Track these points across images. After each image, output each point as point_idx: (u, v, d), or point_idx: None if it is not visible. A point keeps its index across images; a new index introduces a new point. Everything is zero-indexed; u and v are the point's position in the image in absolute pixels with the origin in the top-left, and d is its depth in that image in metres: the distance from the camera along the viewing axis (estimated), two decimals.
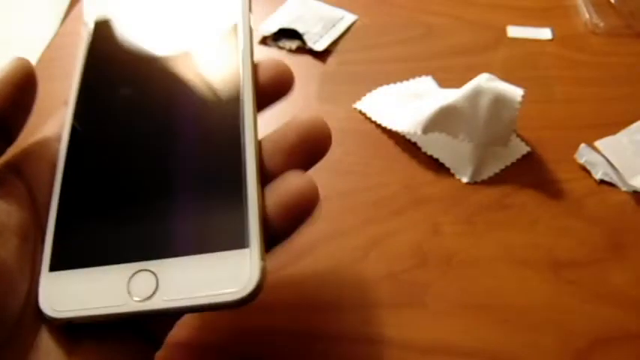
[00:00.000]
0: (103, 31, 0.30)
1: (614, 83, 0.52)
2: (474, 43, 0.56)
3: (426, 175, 0.46)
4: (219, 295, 0.20)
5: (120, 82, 0.27)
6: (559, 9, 0.59)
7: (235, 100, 0.24)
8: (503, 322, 0.38)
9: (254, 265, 0.20)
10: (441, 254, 0.41)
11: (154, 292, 0.20)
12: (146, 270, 0.21)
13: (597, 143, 0.47)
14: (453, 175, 0.46)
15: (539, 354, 0.36)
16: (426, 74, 0.52)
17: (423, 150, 0.47)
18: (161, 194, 0.23)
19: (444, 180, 0.45)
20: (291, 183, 0.22)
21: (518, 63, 0.54)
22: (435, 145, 0.47)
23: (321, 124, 0.23)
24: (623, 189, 0.44)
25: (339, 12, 0.59)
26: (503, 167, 0.46)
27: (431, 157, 0.47)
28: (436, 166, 0.46)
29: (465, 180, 0.45)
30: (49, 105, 0.53)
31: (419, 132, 0.44)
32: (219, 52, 0.27)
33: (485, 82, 0.44)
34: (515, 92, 0.44)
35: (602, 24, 0.56)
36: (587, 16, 0.57)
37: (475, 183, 0.45)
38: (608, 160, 0.46)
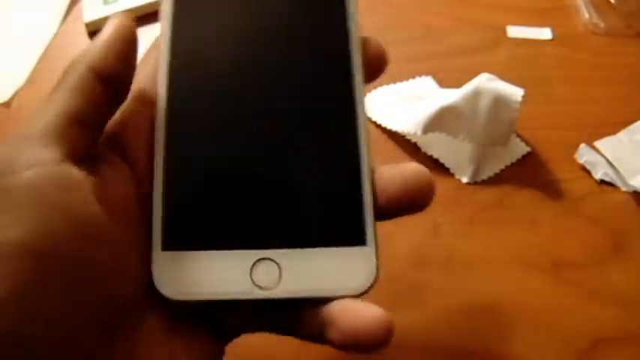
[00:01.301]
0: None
1: (614, 83, 0.52)
2: (474, 43, 0.56)
3: None
4: (339, 289, 0.21)
5: (220, 39, 0.24)
6: (559, 9, 0.59)
7: (347, 80, 0.23)
8: (503, 322, 0.38)
9: (371, 263, 0.21)
10: (441, 254, 0.41)
11: (277, 282, 0.20)
12: (269, 259, 0.21)
13: (597, 143, 0.47)
14: (453, 175, 0.46)
15: (539, 354, 0.36)
16: (426, 74, 0.52)
17: (423, 150, 0.47)
18: (279, 178, 0.22)
19: (444, 180, 0.45)
20: (408, 168, 0.22)
21: (518, 63, 0.54)
22: (435, 145, 0.47)
23: (428, 179, 0.22)
24: (623, 189, 0.44)
25: None
26: (503, 167, 0.46)
27: (431, 157, 0.47)
28: (436, 166, 0.46)
29: (465, 180, 0.45)
30: None
31: (419, 132, 0.44)
32: (327, 27, 0.25)
33: (485, 82, 0.44)
34: (515, 92, 0.44)
35: (602, 24, 0.56)
36: (587, 16, 0.57)
37: (475, 183, 0.45)
38: (608, 160, 0.46)
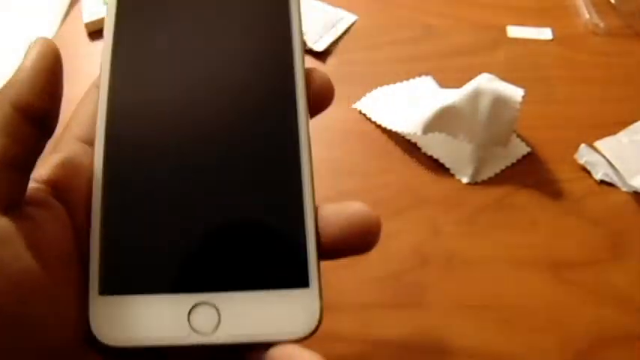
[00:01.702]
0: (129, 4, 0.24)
1: (614, 83, 0.52)
2: (474, 43, 0.56)
3: (426, 176, 0.46)
4: (281, 333, 0.20)
5: (160, 69, 0.23)
6: (559, 9, 0.59)
7: (292, 111, 0.23)
8: (503, 322, 0.38)
9: (314, 305, 0.20)
10: (441, 254, 0.41)
11: (215, 327, 0.20)
12: (208, 303, 0.20)
13: (597, 143, 0.47)
14: (453, 175, 0.46)
15: (539, 354, 0.36)
16: (426, 74, 0.52)
17: (423, 150, 0.47)
18: (219, 219, 0.21)
19: (444, 180, 0.45)
20: (353, 208, 0.21)
21: (518, 63, 0.54)
22: (435, 146, 0.47)
23: (373, 221, 0.21)
24: (623, 189, 0.44)
25: (339, 12, 0.59)
26: (503, 167, 0.46)
27: (431, 157, 0.47)
28: (436, 166, 0.46)
29: (465, 180, 0.45)
30: None
31: (419, 132, 0.44)
32: (270, 51, 0.24)
33: (486, 82, 0.44)
34: (516, 92, 0.44)
35: (602, 24, 0.56)
36: (587, 16, 0.57)
37: (475, 183, 0.45)
38: (608, 160, 0.46)
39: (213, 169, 0.22)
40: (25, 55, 0.21)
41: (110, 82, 0.23)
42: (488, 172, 0.46)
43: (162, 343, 0.20)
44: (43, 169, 0.21)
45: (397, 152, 0.47)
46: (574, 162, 0.46)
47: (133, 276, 0.21)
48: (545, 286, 0.39)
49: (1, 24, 0.59)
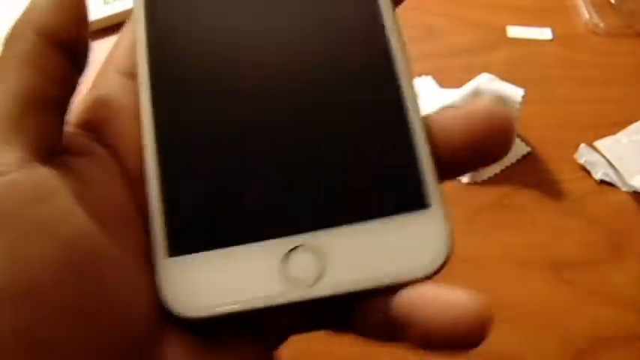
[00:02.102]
0: None
1: (614, 83, 0.52)
2: (474, 43, 0.56)
3: None
4: (403, 273, 0.15)
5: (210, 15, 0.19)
6: (559, 9, 0.59)
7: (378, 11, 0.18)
8: (503, 322, 0.38)
9: (440, 228, 0.16)
10: None
11: (319, 275, 0.15)
12: (304, 246, 0.16)
13: (597, 143, 0.47)
14: None
15: (539, 354, 0.36)
16: (426, 74, 0.52)
17: None
18: (303, 142, 0.17)
19: (444, 180, 0.45)
20: (478, 105, 0.17)
21: (518, 63, 0.54)
22: None
23: (503, 116, 0.17)
24: (623, 189, 0.44)
25: None
26: (503, 167, 0.46)
27: None
28: None
29: (465, 180, 0.45)
30: None
31: None
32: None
33: (486, 82, 0.44)
34: (515, 92, 0.44)
35: (602, 24, 0.56)
36: (587, 16, 0.57)
37: (475, 183, 0.45)
38: (608, 160, 0.46)
39: (292, 82, 0.17)
40: None
41: (147, 6, 0.19)
42: (488, 172, 0.46)
43: (254, 306, 0.15)
44: (78, 110, 0.18)
45: None
46: (574, 162, 0.46)
47: (207, 228, 0.16)
48: (545, 286, 0.39)
49: (1, 24, 0.59)
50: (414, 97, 0.17)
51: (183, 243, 0.16)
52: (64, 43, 0.16)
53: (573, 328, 0.37)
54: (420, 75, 0.52)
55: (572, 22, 0.58)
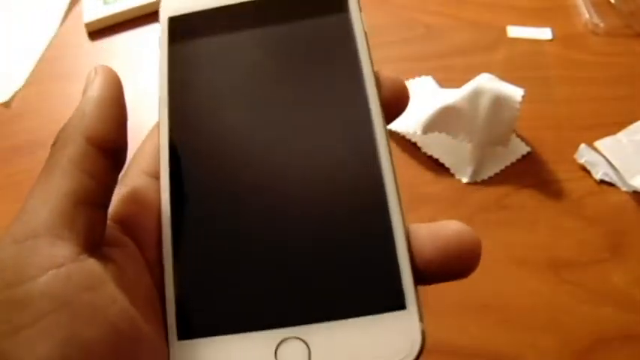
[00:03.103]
0: (183, 30, 0.23)
1: (614, 83, 0.52)
2: (474, 43, 0.56)
3: (426, 175, 0.46)
4: None
5: (222, 99, 0.22)
6: (559, 9, 0.59)
7: (367, 122, 0.21)
8: (503, 322, 0.38)
9: (414, 327, 0.18)
10: None
11: None
12: (295, 338, 0.18)
13: (597, 143, 0.47)
14: (453, 175, 0.46)
15: (539, 354, 0.36)
16: (426, 74, 0.52)
17: (423, 150, 0.47)
18: (298, 245, 0.19)
19: (444, 180, 0.45)
20: (450, 228, 0.19)
21: (518, 63, 0.54)
22: (435, 145, 0.47)
23: (473, 242, 0.19)
24: (623, 189, 0.44)
25: None
26: (503, 167, 0.46)
27: (431, 157, 0.47)
28: (436, 166, 0.46)
29: (464, 180, 0.45)
30: (50, 105, 0.53)
31: (419, 132, 0.44)
32: (336, 58, 0.22)
33: (486, 82, 0.44)
34: (515, 92, 0.44)
35: (602, 24, 0.56)
36: (587, 16, 0.57)
37: (475, 183, 0.45)
38: (608, 160, 0.46)
39: (289, 193, 0.20)
40: (88, 85, 0.20)
41: (170, 116, 0.22)
42: (488, 172, 0.46)
43: None
44: (115, 205, 0.20)
45: (397, 152, 0.47)
46: (574, 162, 0.46)
47: (211, 317, 0.19)
48: (545, 286, 0.39)
49: (1, 24, 0.59)
50: (400, 207, 0.20)
51: (191, 329, 0.19)
52: (109, 148, 0.19)
53: (573, 328, 0.37)
54: (420, 75, 0.52)
55: (572, 22, 0.58)
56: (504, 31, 0.57)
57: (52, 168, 0.18)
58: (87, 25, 0.57)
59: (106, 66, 0.20)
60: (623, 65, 0.54)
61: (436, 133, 0.45)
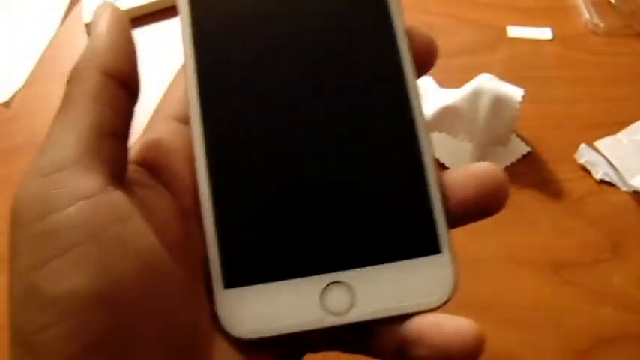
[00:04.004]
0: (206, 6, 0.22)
1: (614, 83, 0.52)
2: (474, 43, 0.56)
3: None
4: (417, 304, 0.19)
5: (252, 45, 0.21)
6: (559, 9, 0.59)
7: (400, 75, 0.22)
8: (503, 322, 0.38)
9: (448, 270, 0.20)
10: None
11: (350, 306, 0.19)
12: (339, 282, 0.19)
13: (597, 143, 0.47)
14: None
15: (539, 354, 0.36)
16: (426, 74, 0.52)
17: None
18: (340, 193, 0.20)
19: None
20: (479, 168, 0.20)
21: (518, 63, 0.54)
22: (435, 145, 0.47)
23: (501, 180, 0.20)
24: (623, 189, 0.44)
25: None
26: (503, 167, 0.46)
27: None
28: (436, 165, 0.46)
29: None
30: (50, 105, 0.53)
31: None
32: (370, 15, 0.23)
33: (486, 82, 0.44)
34: (515, 92, 0.44)
35: (602, 24, 0.56)
36: (587, 16, 0.57)
37: None
38: (608, 160, 0.46)
39: (327, 139, 0.20)
40: (96, 22, 0.20)
41: (197, 60, 0.21)
42: None
43: (297, 329, 0.19)
44: (135, 150, 0.20)
45: None
46: (574, 162, 0.46)
47: (257, 265, 0.19)
48: (545, 286, 0.39)
49: (1, 24, 0.59)
50: (432, 158, 0.21)
51: (237, 277, 0.19)
52: (124, 79, 0.19)
53: (573, 328, 0.37)
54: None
55: (572, 22, 0.58)
56: (504, 31, 0.57)
57: (70, 103, 0.19)
58: (87, 25, 0.57)
59: (110, 3, 0.20)
60: (623, 65, 0.54)
61: (436, 133, 0.45)
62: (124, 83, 0.19)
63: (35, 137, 0.49)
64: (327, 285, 0.19)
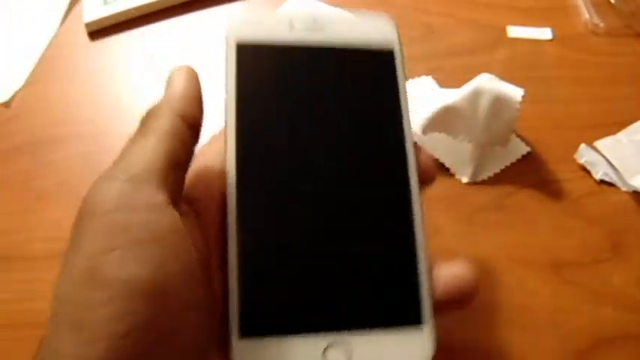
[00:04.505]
0: (249, 58, 0.25)
1: (614, 83, 0.52)
2: (474, 43, 0.56)
3: None
4: None
5: (284, 116, 0.25)
6: (559, 9, 0.59)
7: (402, 173, 0.25)
8: (503, 322, 0.38)
9: (429, 340, 0.23)
10: (441, 254, 0.41)
11: None
12: (343, 342, 0.22)
13: (597, 143, 0.47)
14: (453, 175, 0.46)
15: (539, 354, 0.36)
16: (426, 74, 0.52)
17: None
18: (346, 264, 0.23)
19: (444, 180, 0.45)
20: (456, 268, 0.24)
21: (518, 63, 0.54)
22: (435, 145, 0.47)
23: (471, 284, 0.24)
24: (623, 189, 0.44)
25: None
26: (503, 167, 0.46)
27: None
28: (436, 166, 0.46)
29: (464, 180, 0.45)
30: (50, 105, 0.53)
31: (419, 132, 0.44)
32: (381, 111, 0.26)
33: (486, 82, 0.44)
34: (515, 92, 0.44)
35: (602, 24, 0.56)
36: (587, 16, 0.57)
37: (475, 183, 0.45)
38: (608, 160, 0.46)
39: (338, 212, 0.24)
40: (173, 75, 0.24)
41: (237, 119, 0.24)
42: (488, 172, 0.46)
43: None
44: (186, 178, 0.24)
45: None
46: (574, 162, 0.46)
47: (272, 318, 0.22)
48: (546, 286, 0.39)
49: (1, 24, 0.59)
50: (426, 245, 0.25)
51: (252, 328, 0.22)
52: (192, 122, 0.24)
53: (573, 328, 0.37)
54: (420, 75, 0.52)
55: (572, 22, 0.58)
56: (504, 31, 0.57)
57: (148, 132, 0.22)
58: (87, 25, 0.57)
59: (187, 65, 0.25)
60: (623, 65, 0.54)
61: (436, 133, 0.45)
62: (191, 125, 0.23)
63: (35, 137, 0.49)
64: (331, 343, 0.22)
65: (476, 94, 0.44)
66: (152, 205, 0.20)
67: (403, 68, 0.27)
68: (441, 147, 0.47)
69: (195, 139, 0.24)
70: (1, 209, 0.44)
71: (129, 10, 0.58)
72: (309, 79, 0.25)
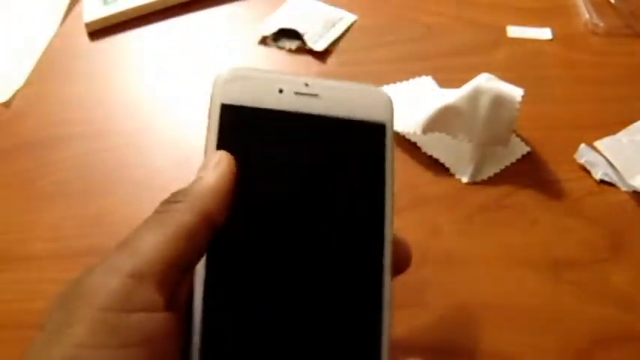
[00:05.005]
0: (233, 120, 0.25)
1: (614, 83, 0.52)
2: (474, 43, 0.56)
3: (426, 175, 0.46)
4: None
5: (264, 182, 0.24)
6: (559, 9, 0.59)
7: (380, 243, 0.25)
8: (503, 322, 0.38)
9: None
10: (441, 254, 0.41)
11: None
12: None
13: (597, 143, 0.47)
14: (452, 175, 0.46)
15: (539, 354, 0.36)
16: (426, 74, 0.52)
17: (423, 150, 0.47)
18: (309, 325, 0.23)
19: (444, 180, 0.45)
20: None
21: (518, 63, 0.54)
22: (435, 145, 0.47)
23: (405, 248, 0.25)
24: (623, 189, 0.44)
25: (338, 12, 0.59)
26: (503, 167, 0.46)
27: (431, 157, 0.47)
28: (436, 166, 0.46)
29: (464, 180, 0.45)
30: (50, 105, 0.53)
31: (419, 132, 0.44)
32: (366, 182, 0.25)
33: (486, 82, 0.44)
34: (515, 92, 0.44)
35: (602, 24, 0.56)
36: (587, 16, 0.57)
37: (475, 183, 0.45)
38: (608, 160, 0.46)
39: (307, 299, 0.23)
40: (208, 167, 0.23)
41: None
42: (488, 172, 0.46)
43: None
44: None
45: (397, 152, 0.47)
46: (574, 162, 0.46)
47: None
48: (545, 286, 0.39)
49: (1, 24, 0.59)
50: (389, 331, 0.24)
51: None
52: (213, 221, 0.22)
53: (573, 328, 0.37)
54: (420, 75, 0.52)
55: (572, 22, 0.58)
56: (504, 31, 0.57)
57: (164, 225, 0.21)
58: (87, 25, 0.57)
59: (227, 155, 0.23)
60: (623, 65, 0.54)
61: (436, 133, 0.45)
62: (211, 225, 0.22)
63: (35, 137, 0.49)
64: None
65: (476, 94, 0.44)
66: (148, 306, 0.20)
67: (393, 145, 0.26)
68: (440, 147, 0.47)
69: (213, 232, 0.22)
70: (1, 209, 0.44)
71: (129, 10, 0.58)
72: (292, 147, 0.24)
